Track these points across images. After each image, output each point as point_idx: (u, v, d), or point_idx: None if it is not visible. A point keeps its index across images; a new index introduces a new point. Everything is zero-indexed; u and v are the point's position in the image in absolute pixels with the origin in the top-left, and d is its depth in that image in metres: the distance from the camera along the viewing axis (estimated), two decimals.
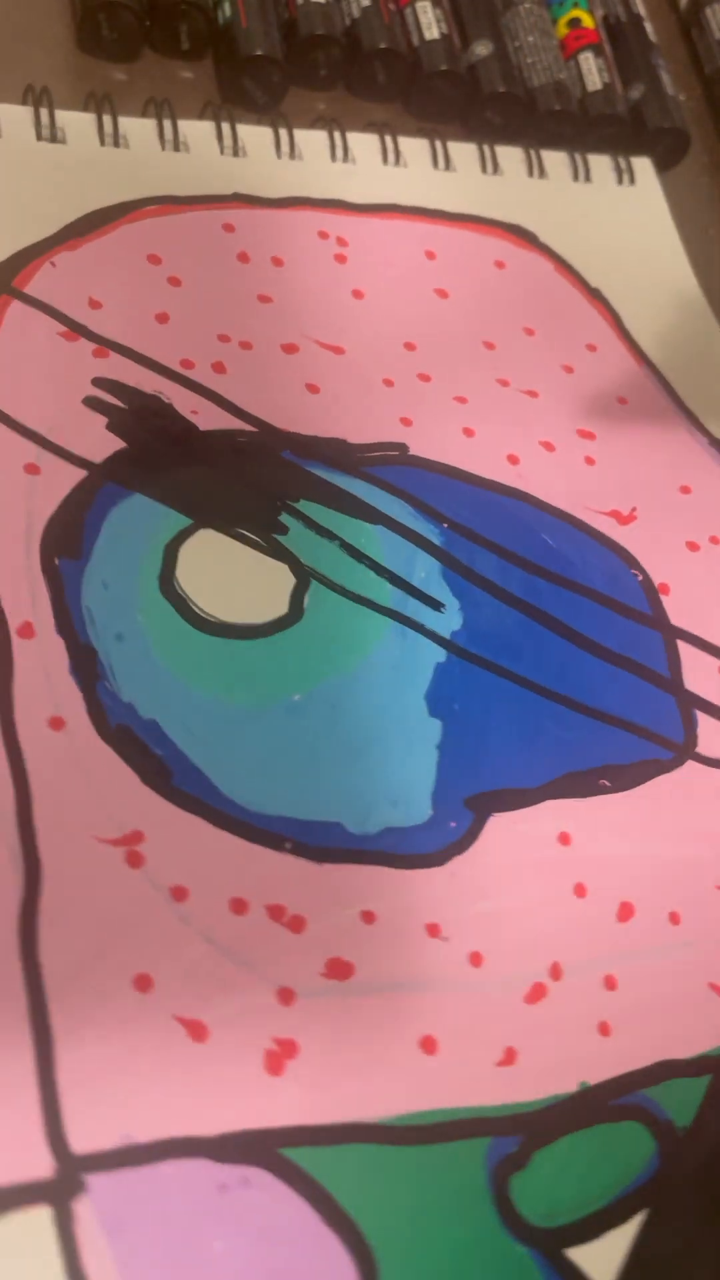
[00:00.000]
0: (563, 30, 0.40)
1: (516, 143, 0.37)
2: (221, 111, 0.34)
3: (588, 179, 0.38)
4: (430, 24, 0.37)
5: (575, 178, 0.38)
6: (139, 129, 0.33)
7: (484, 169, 0.37)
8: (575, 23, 0.40)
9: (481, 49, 0.36)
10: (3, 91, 0.32)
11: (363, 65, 0.37)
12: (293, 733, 0.24)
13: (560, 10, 0.40)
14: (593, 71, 0.39)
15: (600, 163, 0.38)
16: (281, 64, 0.35)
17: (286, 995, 0.21)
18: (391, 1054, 0.21)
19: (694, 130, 0.41)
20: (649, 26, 0.41)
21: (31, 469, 0.26)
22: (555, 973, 0.23)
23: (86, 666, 0.23)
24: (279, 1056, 0.20)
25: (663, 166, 0.40)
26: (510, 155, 0.37)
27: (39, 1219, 0.17)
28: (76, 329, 0.28)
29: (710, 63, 0.42)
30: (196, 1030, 0.20)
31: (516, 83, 0.38)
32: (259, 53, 0.35)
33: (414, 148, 0.36)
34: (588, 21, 0.40)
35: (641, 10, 0.41)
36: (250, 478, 0.28)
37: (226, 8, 0.35)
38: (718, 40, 0.42)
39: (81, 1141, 0.18)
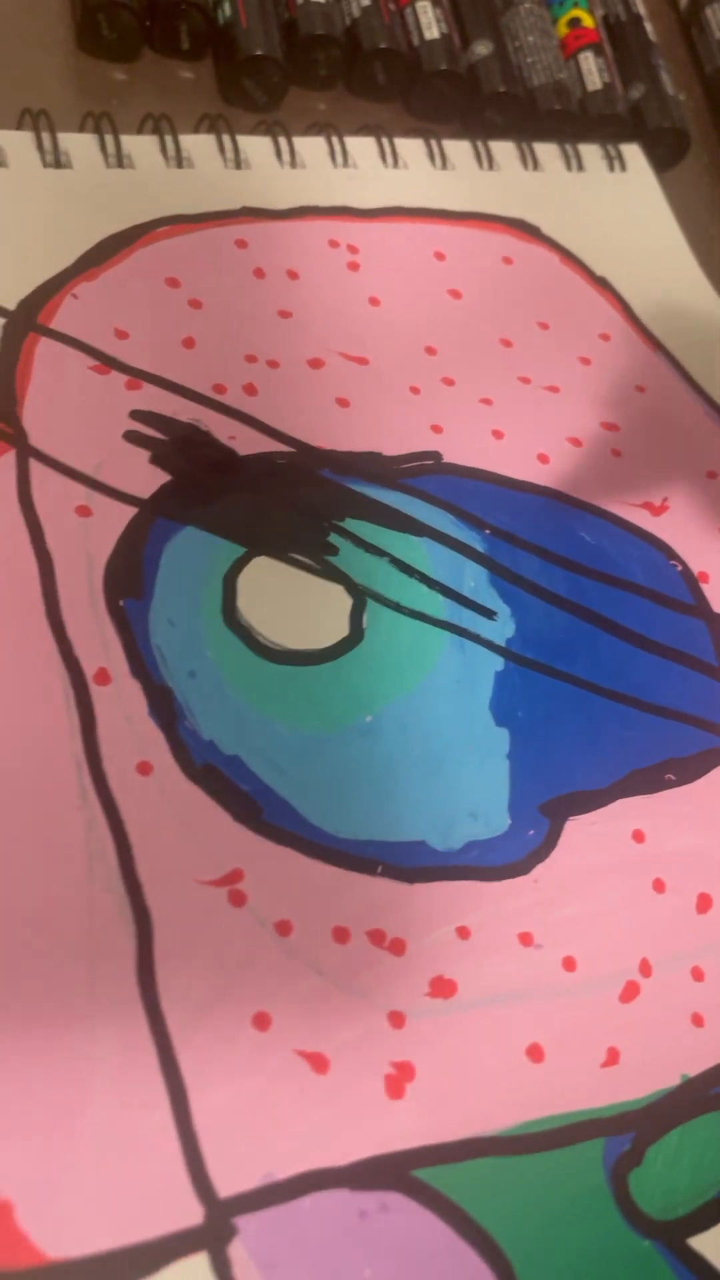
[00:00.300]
0: (563, 30, 0.40)
1: (509, 137, 0.38)
2: (220, 122, 0.34)
3: (580, 168, 0.38)
4: (430, 24, 0.37)
5: (568, 168, 0.38)
6: (141, 146, 0.33)
7: (480, 165, 0.37)
8: (575, 22, 0.40)
9: (481, 49, 0.36)
10: (3, 99, 0.32)
11: (363, 65, 0.37)
12: (368, 754, 0.24)
13: (560, 10, 0.40)
14: (593, 71, 0.39)
15: (590, 151, 0.39)
16: (281, 64, 0.35)
17: (397, 1019, 0.21)
18: (502, 1066, 0.21)
19: (694, 130, 0.41)
20: (649, 26, 0.41)
21: (83, 511, 0.26)
22: (645, 969, 0.23)
23: (165, 707, 0.23)
24: (398, 1080, 0.20)
25: (663, 166, 0.40)
26: (504, 150, 0.37)
27: (197, 1266, 0.18)
28: (107, 362, 0.28)
29: (710, 62, 0.42)
30: (318, 1062, 0.20)
31: (516, 82, 0.38)
32: (259, 53, 0.35)
33: (411, 148, 0.36)
34: (588, 21, 0.40)
35: (641, 10, 0.41)
36: (295, 500, 0.28)
37: (226, 7, 0.35)
38: (718, 40, 0.42)
39: (226, 1185, 0.19)
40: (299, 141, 0.35)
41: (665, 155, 0.40)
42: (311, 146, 0.35)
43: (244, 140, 0.34)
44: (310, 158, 0.35)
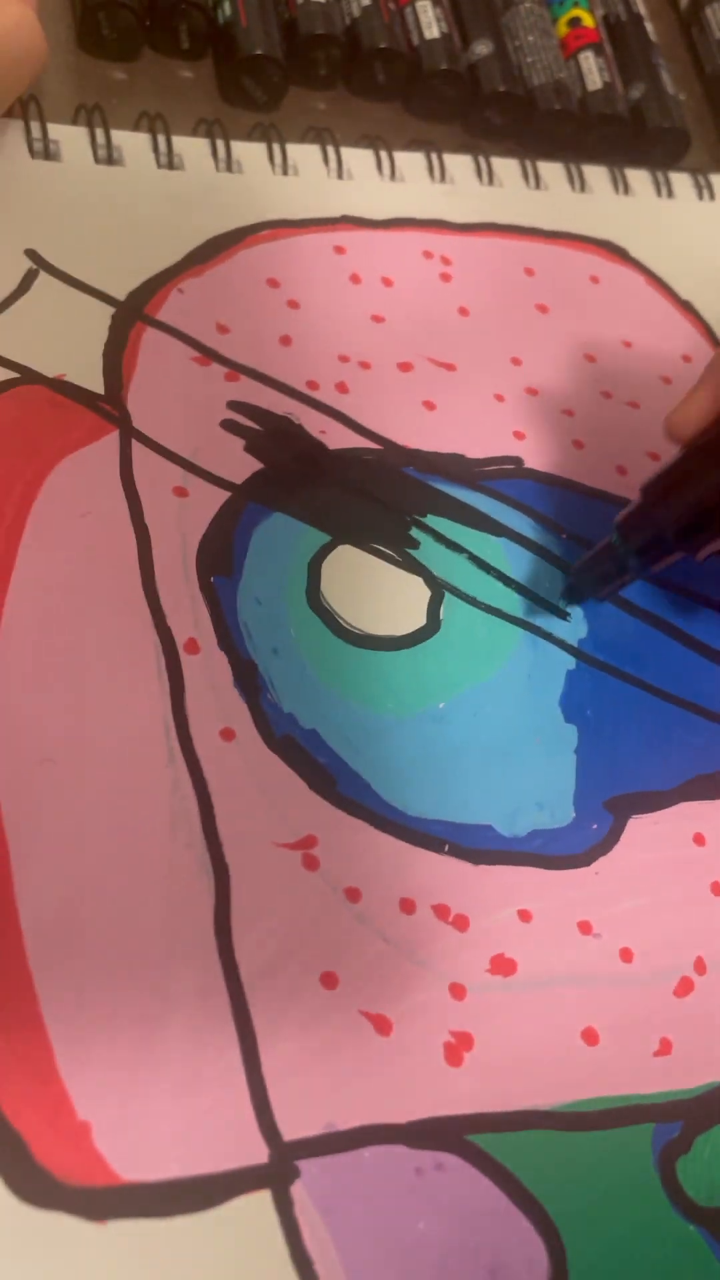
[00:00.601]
0: (563, 30, 0.40)
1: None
2: (325, 134, 0.35)
3: (670, 195, 0.39)
4: (430, 23, 0.37)
5: (659, 194, 0.39)
6: (250, 153, 0.34)
7: (573, 187, 0.38)
8: (575, 22, 0.40)
9: (482, 48, 0.36)
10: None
11: (363, 65, 0.36)
12: (439, 739, 0.25)
13: (560, 10, 0.40)
14: (593, 71, 0.39)
15: (681, 180, 0.39)
16: (281, 63, 0.35)
17: (459, 990, 0.22)
18: (557, 1045, 0.22)
19: (694, 130, 0.41)
20: (649, 26, 0.41)
21: (180, 491, 0.27)
22: (700, 967, 0.24)
23: (249, 679, 0.24)
24: (457, 1048, 0.21)
25: (662, 166, 0.40)
26: (596, 173, 0.38)
27: (261, 1202, 0.19)
28: (208, 354, 0.30)
29: (711, 62, 0.42)
30: (381, 1024, 0.21)
31: (517, 82, 0.38)
32: (259, 52, 0.35)
33: (506, 167, 0.37)
34: (588, 21, 0.40)
35: (642, 10, 0.41)
36: (379, 494, 0.29)
37: (226, 7, 0.35)
38: (718, 40, 0.42)
39: (290, 1129, 0.19)
40: (399, 156, 0.36)
41: (665, 155, 0.40)
42: (411, 161, 0.36)
43: (347, 152, 0.35)
44: (409, 172, 0.36)
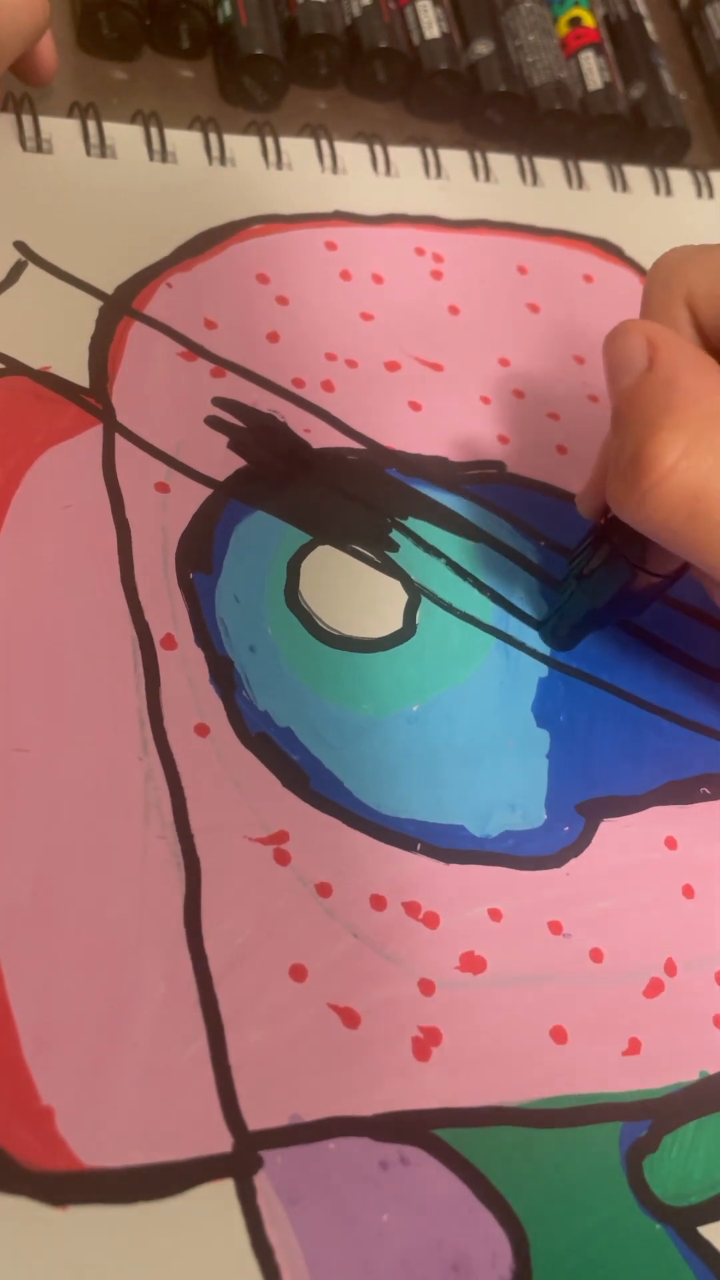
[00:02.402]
0: (563, 29, 0.40)
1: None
2: (320, 130, 0.35)
3: (669, 193, 0.39)
4: (430, 23, 0.37)
5: (656, 191, 0.39)
6: (244, 148, 0.34)
7: (570, 184, 0.38)
8: (576, 21, 0.40)
9: (482, 48, 0.36)
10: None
11: (363, 64, 0.36)
12: (414, 740, 0.25)
13: (561, 9, 0.40)
14: (593, 71, 0.39)
15: (679, 177, 0.39)
16: (281, 63, 0.35)
17: (428, 986, 0.22)
18: (525, 1042, 0.22)
19: (694, 129, 0.41)
20: (650, 25, 0.41)
21: (162, 487, 0.27)
22: (670, 969, 0.24)
23: (225, 676, 0.24)
24: (425, 1043, 0.21)
25: (663, 166, 0.40)
26: (594, 170, 0.38)
27: (223, 1190, 0.19)
28: (195, 349, 0.30)
29: (711, 62, 0.42)
30: (349, 1017, 0.21)
31: (517, 82, 0.38)
32: (259, 52, 0.35)
33: (502, 163, 0.37)
34: (588, 20, 0.40)
35: (642, 9, 0.41)
36: (361, 495, 0.29)
37: (227, 6, 0.35)
38: (718, 39, 0.42)
39: (255, 1119, 0.20)
40: (394, 152, 0.36)
41: (666, 154, 0.40)
42: (406, 157, 0.36)
43: (341, 147, 0.35)
44: (404, 168, 0.36)
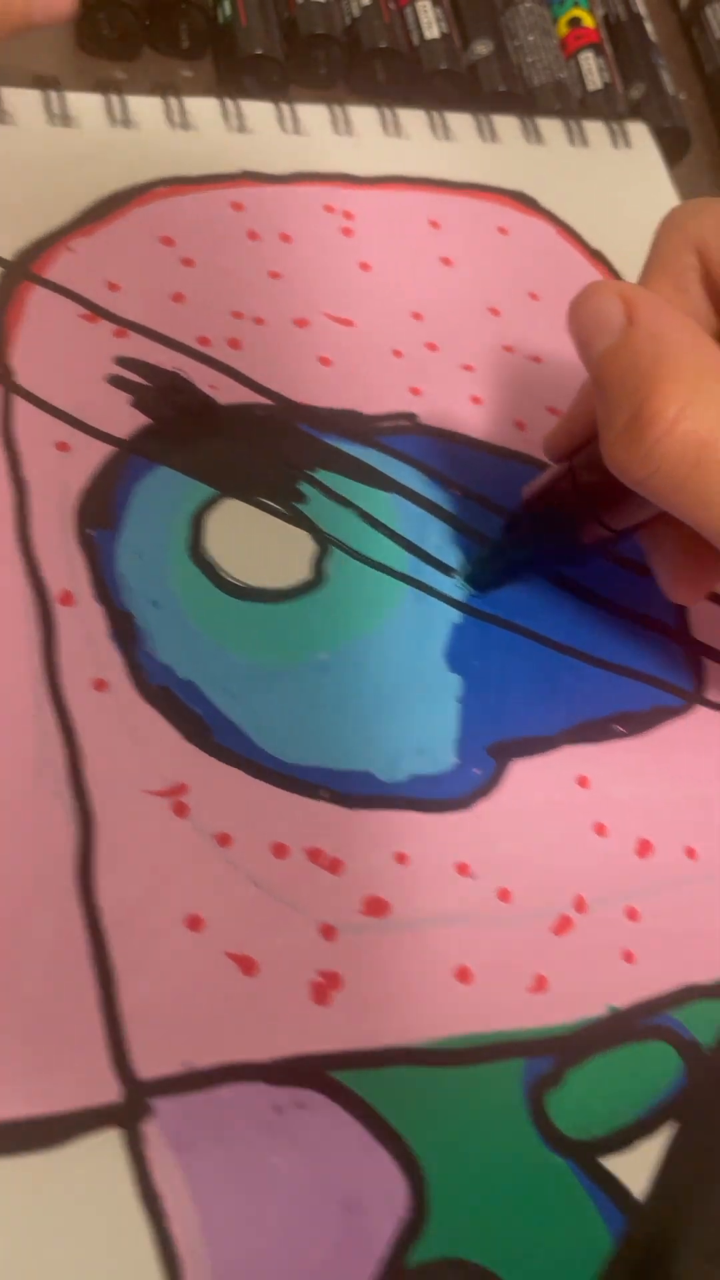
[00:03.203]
0: (563, 29, 0.40)
1: (511, 111, 0.38)
2: (224, 89, 0.35)
3: (584, 143, 0.39)
4: (430, 23, 0.37)
5: (571, 142, 0.39)
6: (146, 109, 0.34)
7: (482, 137, 0.38)
8: (575, 22, 0.40)
9: (482, 48, 0.36)
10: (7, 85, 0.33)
11: (363, 64, 0.37)
12: (322, 689, 0.25)
13: (560, 9, 0.40)
14: (593, 71, 0.39)
15: (595, 128, 0.39)
16: (281, 63, 0.36)
17: (329, 931, 0.22)
18: (429, 984, 0.22)
19: (694, 130, 0.41)
20: (649, 26, 0.41)
21: (63, 446, 0.27)
22: (580, 905, 0.24)
23: (125, 631, 0.24)
24: (325, 987, 0.21)
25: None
26: (507, 123, 0.38)
27: (110, 1141, 0.19)
28: (97, 311, 0.29)
29: (711, 62, 0.42)
30: (247, 965, 0.21)
31: (517, 82, 0.38)
32: (259, 52, 0.35)
33: (413, 119, 0.37)
34: (588, 21, 0.40)
35: (642, 9, 0.42)
36: (269, 449, 0.29)
37: (226, 6, 0.36)
38: (718, 39, 0.42)
39: (146, 1069, 0.20)
40: (301, 109, 0.36)
41: (666, 155, 0.40)
42: (314, 114, 0.36)
43: (247, 106, 0.35)
44: (312, 124, 0.36)
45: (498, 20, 0.39)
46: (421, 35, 0.37)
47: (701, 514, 0.20)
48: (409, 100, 0.37)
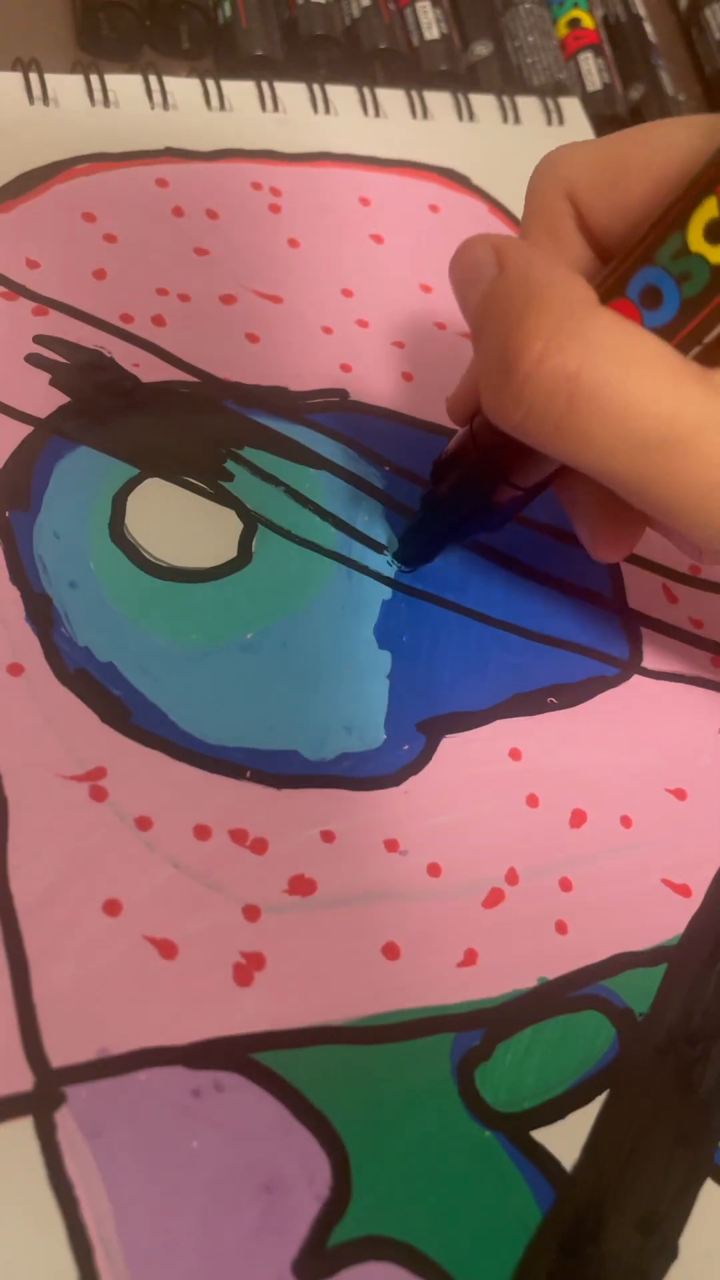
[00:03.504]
0: (563, 30, 0.40)
1: (446, 89, 0.38)
2: (149, 66, 0.34)
3: (517, 121, 0.39)
4: (430, 24, 0.38)
5: (505, 120, 0.39)
6: (69, 86, 0.33)
7: (414, 114, 0.37)
8: (575, 23, 0.40)
9: (481, 49, 0.36)
10: None
11: (363, 65, 0.37)
12: (247, 668, 0.25)
13: (560, 10, 0.40)
14: (593, 72, 0.39)
15: (528, 104, 0.39)
16: (281, 64, 0.36)
17: (252, 912, 0.22)
18: (355, 961, 0.22)
19: None
20: (649, 27, 0.41)
21: None
22: (511, 878, 0.24)
23: (42, 614, 0.24)
24: (247, 969, 0.21)
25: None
26: (439, 100, 0.38)
27: (21, 1130, 0.18)
28: (14, 288, 0.29)
29: (710, 63, 0.42)
30: (166, 948, 0.21)
31: (516, 82, 0.38)
32: (259, 52, 0.35)
33: (343, 95, 0.36)
34: (587, 22, 0.40)
35: (641, 11, 0.42)
36: (194, 427, 0.28)
37: (227, 7, 0.36)
38: (718, 41, 0.42)
39: (59, 1056, 0.19)
40: (229, 86, 0.35)
41: None
42: (242, 91, 0.35)
43: (172, 83, 0.34)
44: (239, 102, 0.35)
45: (498, 21, 0.39)
46: (421, 36, 0.38)
47: (586, 454, 0.20)
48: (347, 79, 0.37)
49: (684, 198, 0.19)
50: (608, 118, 0.39)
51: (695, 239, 0.19)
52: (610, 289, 0.20)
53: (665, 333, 0.20)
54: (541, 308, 0.19)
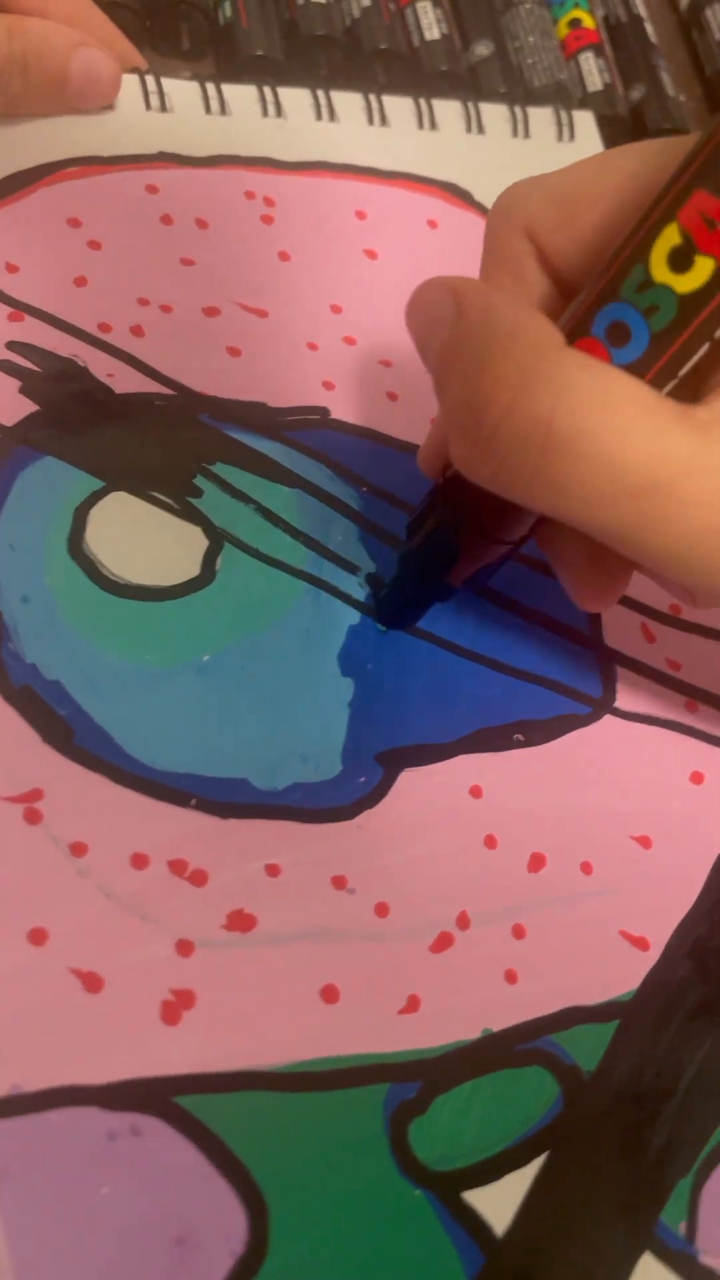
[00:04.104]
0: (563, 30, 0.40)
1: (456, 97, 0.37)
2: (148, 68, 0.34)
3: (527, 135, 0.38)
4: (431, 24, 0.37)
5: (514, 133, 0.38)
6: None
7: (420, 124, 0.37)
8: (576, 23, 0.40)
9: (482, 49, 0.36)
10: None
11: (363, 65, 0.37)
12: (200, 692, 0.24)
13: (561, 10, 0.40)
14: (593, 72, 0.39)
15: (541, 117, 0.38)
16: (282, 64, 0.35)
17: (186, 947, 0.21)
18: (291, 1003, 0.21)
19: (694, 131, 0.40)
20: (649, 27, 0.41)
21: None
22: (463, 922, 0.23)
23: None
24: (175, 1007, 0.20)
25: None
26: (448, 110, 0.37)
27: None
28: None
29: (711, 64, 0.42)
30: (92, 981, 0.20)
31: (517, 83, 0.38)
32: (259, 53, 0.35)
33: (348, 102, 0.36)
34: (588, 22, 0.40)
35: (642, 11, 0.41)
36: (166, 441, 0.27)
37: (227, 7, 0.36)
38: (718, 41, 0.42)
39: None
40: (230, 90, 0.34)
41: None
42: (242, 95, 0.35)
43: (172, 85, 0.34)
44: (239, 106, 0.34)
45: (498, 21, 0.39)
46: (422, 36, 0.37)
47: (566, 505, 0.19)
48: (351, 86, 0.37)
49: (643, 227, 0.18)
50: (609, 118, 0.38)
51: (659, 269, 0.18)
52: (575, 328, 0.20)
53: (636, 370, 0.19)
54: (506, 353, 0.18)
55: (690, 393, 0.20)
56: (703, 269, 0.17)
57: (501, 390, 0.18)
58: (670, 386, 0.19)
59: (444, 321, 0.20)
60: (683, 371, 0.19)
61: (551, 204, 0.22)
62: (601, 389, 0.18)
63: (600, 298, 0.19)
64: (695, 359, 0.19)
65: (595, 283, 0.19)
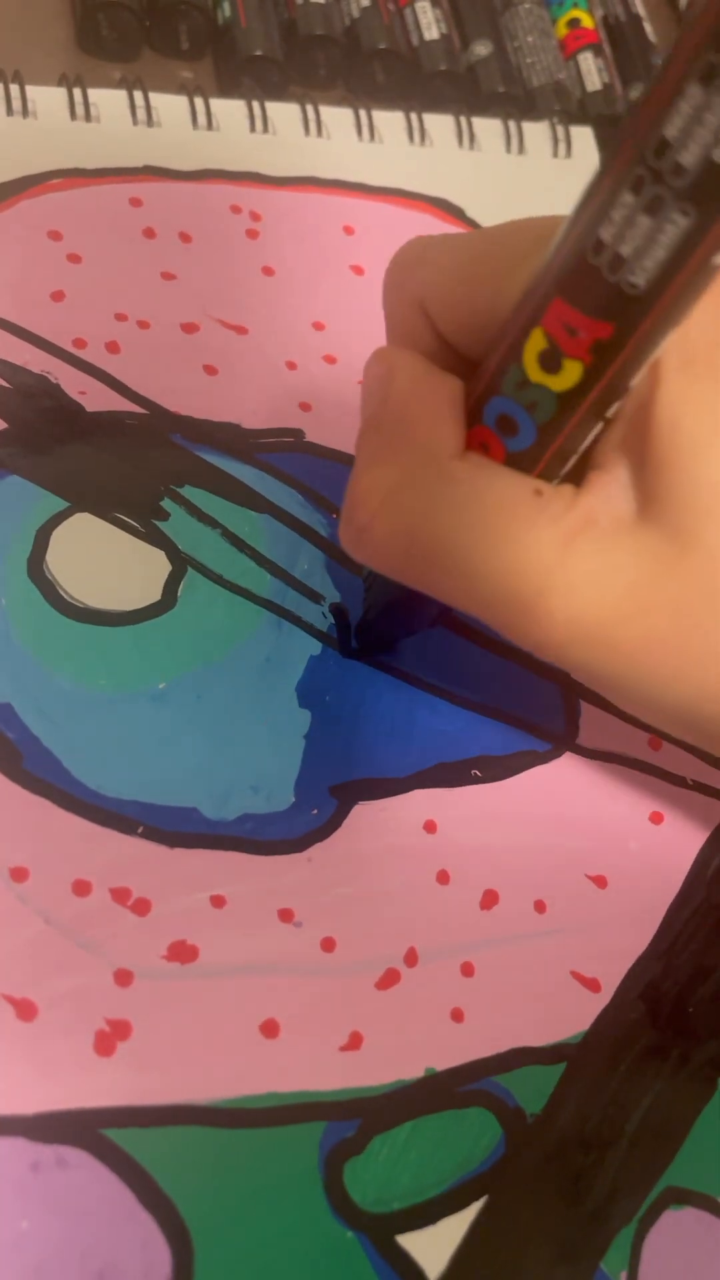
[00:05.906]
0: (562, 30, 0.40)
1: (449, 111, 0.37)
2: (134, 81, 0.34)
3: (521, 150, 0.38)
4: (430, 24, 0.37)
5: (508, 149, 0.37)
6: (49, 99, 0.33)
7: (411, 139, 0.36)
8: (575, 23, 0.40)
9: (481, 49, 0.36)
10: None
11: (362, 65, 0.37)
12: (154, 719, 0.24)
13: (560, 10, 0.40)
14: (592, 72, 0.39)
15: (536, 133, 0.38)
16: (281, 64, 0.35)
17: (124, 977, 0.21)
18: (229, 1037, 0.21)
19: None
20: (649, 27, 0.41)
21: None
22: (410, 958, 0.23)
23: None
24: (110, 1037, 0.20)
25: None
26: (441, 124, 0.37)
27: None
28: None
29: None
30: (24, 1009, 0.20)
31: (516, 83, 0.38)
32: (258, 53, 0.35)
33: (337, 118, 0.36)
34: (587, 22, 0.40)
35: (641, 10, 0.41)
36: (135, 461, 0.27)
37: (226, 7, 0.36)
38: None
39: None
40: (217, 104, 0.34)
41: None
42: (230, 109, 0.34)
43: (159, 100, 0.34)
44: (227, 121, 0.34)
45: (497, 21, 0.39)
46: (421, 36, 0.37)
47: (443, 599, 0.20)
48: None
49: (510, 331, 0.18)
50: (608, 118, 0.38)
51: (533, 370, 0.18)
52: (470, 416, 0.19)
53: (530, 456, 0.19)
54: (393, 458, 0.19)
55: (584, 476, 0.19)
56: (572, 371, 0.17)
57: (372, 496, 0.19)
58: (566, 470, 0.19)
59: (375, 398, 0.20)
60: (575, 458, 0.19)
61: (444, 279, 0.20)
62: (473, 501, 0.18)
63: (486, 391, 0.19)
64: (586, 444, 0.19)
65: (480, 376, 0.19)
